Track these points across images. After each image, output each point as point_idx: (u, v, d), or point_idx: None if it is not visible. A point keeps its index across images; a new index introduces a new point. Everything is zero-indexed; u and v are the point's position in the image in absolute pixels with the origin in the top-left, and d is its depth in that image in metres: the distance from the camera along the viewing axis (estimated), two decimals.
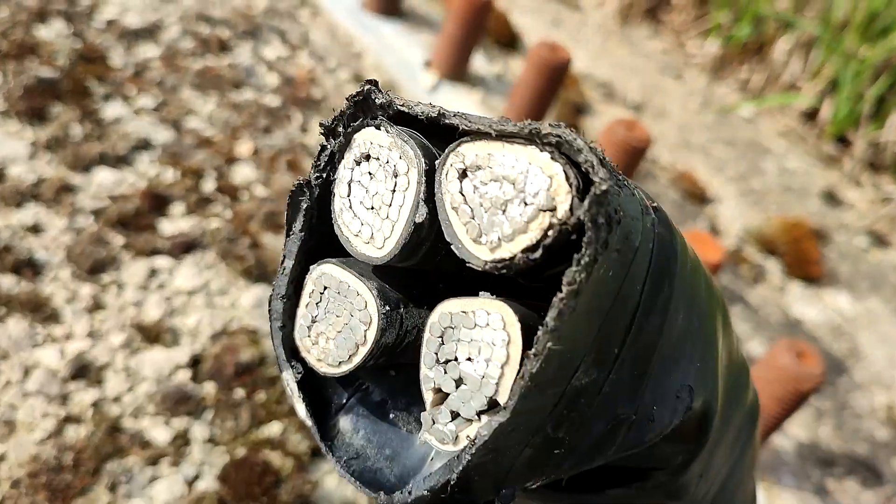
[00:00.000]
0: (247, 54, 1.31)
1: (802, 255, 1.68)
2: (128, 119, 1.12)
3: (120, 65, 1.20)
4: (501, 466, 0.32)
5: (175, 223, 1.03)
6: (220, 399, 0.88)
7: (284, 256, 0.37)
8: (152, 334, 0.92)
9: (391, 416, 0.38)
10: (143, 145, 1.10)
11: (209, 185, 1.09)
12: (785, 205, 1.87)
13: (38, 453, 0.78)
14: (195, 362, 0.92)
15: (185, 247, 1.00)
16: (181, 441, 0.84)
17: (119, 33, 1.24)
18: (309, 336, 0.36)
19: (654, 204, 0.36)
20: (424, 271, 0.38)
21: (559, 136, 0.29)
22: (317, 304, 0.36)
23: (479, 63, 1.45)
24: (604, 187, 0.28)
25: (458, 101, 1.32)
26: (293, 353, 0.37)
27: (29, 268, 0.92)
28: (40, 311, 0.89)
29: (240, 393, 0.89)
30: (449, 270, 0.38)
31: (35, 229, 0.96)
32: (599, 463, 0.35)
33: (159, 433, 0.84)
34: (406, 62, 1.39)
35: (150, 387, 0.87)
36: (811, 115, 2.08)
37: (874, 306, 1.70)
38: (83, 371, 0.86)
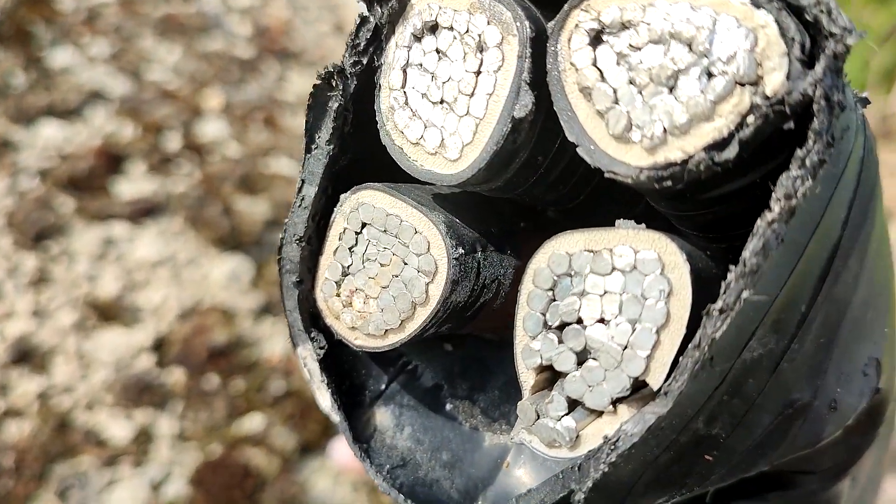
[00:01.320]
0: (215, 1, 1.19)
1: None
2: (79, 67, 1.01)
3: (69, 8, 1.08)
4: (623, 482, 0.24)
5: (134, 185, 0.95)
6: (190, 388, 0.81)
7: (303, 181, 0.27)
8: (109, 313, 0.85)
9: (447, 407, 0.31)
10: (97, 97, 1.00)
11: (173, 143, 0.99)
12: None
13: None
14: (160, 345, 0.85)
15: (146, 212, 0.93)
16: (144, 438, 0.77)
17: None
18: (338, 295, 0.27)
19: (863, 94, 0.25)
20: (502, 202, 0.26)
21: None
22: (350, 248, 0.27)
23: None
24: (849, 41, 0.17)
25: None
26: (313, 319, 0.28)
27: None
28: None
29: (213, 380, 0.82)
30: (535, 201, 0.26)
31: None
32: (758, 471, 0.28)
33: (118, 429, 0.77)
34: None
35: (106, 374, 0.80)
36: None
37: None
38: (26, 356, 0.79)
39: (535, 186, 0.25)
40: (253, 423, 0.77)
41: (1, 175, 0.88)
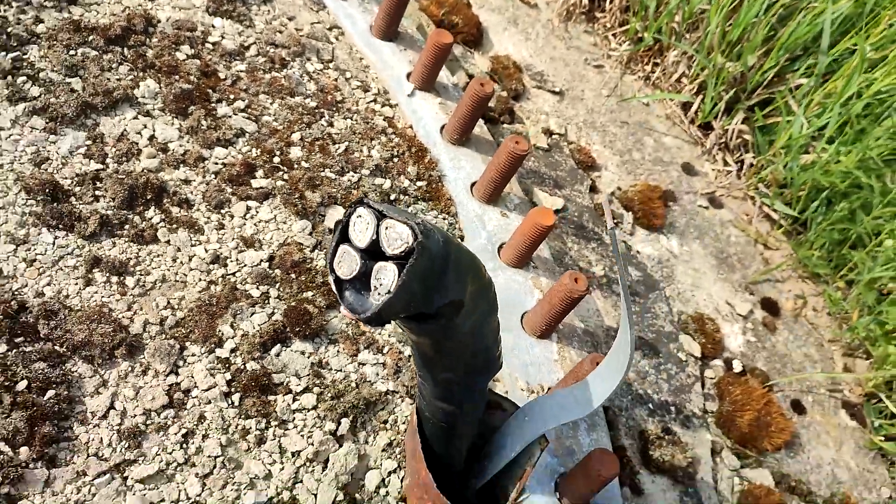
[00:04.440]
0: (297, 68, 2.12)
1: (650, 211, 2.53)
2: (231, 116, 1.95)
3: (224, 76, 2.02)
4: (395, 309, 0.89)
5: (259, 182, 1.88)
6: (283, 278, 1.75)
7: (332, 240, 1.21)
8: (249, 243, 1.78)
9: (363, 293, 0.89)
10: (241, 133, 1.94)
11: (277, 160, 1.93)
12: (653, 172, 2.71)
13: (199, 297, 1.66)
14: (271, 259, 1.77)
15: (264, 195, 1.85)
16: (265, 296, 1.72)
17: (221, 53, 2.06)
18: (338, 265, 0.95)
19: (443, 238, 1.22)
20: (376, 251, 1.23)
21: (409, 222, 1.14)
22: (342, 256, 1.13)
23: (444, 75, 2.26)
24: (420, 238, 1.09)
25: (425, 104, 2.14)
26: (332, 269, 0.92)
27: (185, 204, 1.78)
28: (193, 227, 1.75)
29: (293, 276, 1.77)
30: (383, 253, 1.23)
31: (186, 181, 1.82)
32: (424, 310, 1.12)
33: (255, 292, 1.71)
34: (396, 75, 2.19)
35: (249, 270, 1.74)
36: (688, 107, 2.89)
37: (695, 248, 2.57)
38: (216, 259, 1.73)
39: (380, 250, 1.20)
40: (308, 294, 1.75)
41: (198, 174, 1.85)
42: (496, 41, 2.79)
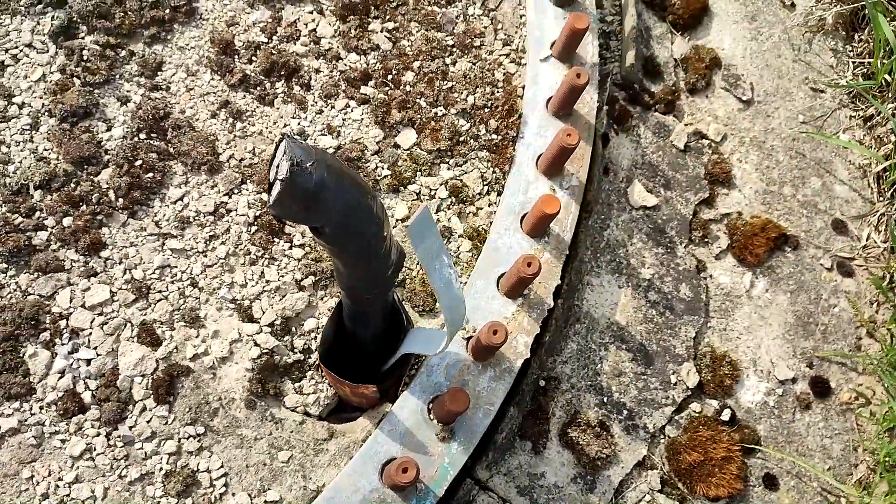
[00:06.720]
0: (459, 8, 2.54)
1: (747, 246, 2.54)
2: (376, 32, 2.47)
3: (393, 5, 2.53)
4: (278, 212, 1.37)
5: (366, 89, 2.41)
6: None
7: (272, 155, 1.75)
8: (331, 130, 2.35)
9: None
10: (376, 48, 2.45)
11: (389, 77, 2.44)
12: (792, 213, 2.64)
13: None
14: (338, 147, 2.35)
15: (363, 101, 2.40)
16: None
17: None
18: (271, 171, 1.58)
19: (319, 178, 1.69)
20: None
21: (295, 159, 1.52)
22: (273, 168, 1.54)
23: (589, 50, 2.51)
24: (288, 175, 1.42)
25: (550, 72, 2.44)
26: (270, 173, 1.50)
27: (306, 86, 2.40)
28: (301, 105, 2.37)
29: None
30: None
31: (317, 70, 2.42)
32: (306, 223, 1.71)
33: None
34: (542, 38, 2.48)
35: None
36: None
37: (779, 299, 2.53)
38: (301, 133, 2.35)
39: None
40: None
41: (329, 68, 2.44)
42: (716, 30, 2.82)
